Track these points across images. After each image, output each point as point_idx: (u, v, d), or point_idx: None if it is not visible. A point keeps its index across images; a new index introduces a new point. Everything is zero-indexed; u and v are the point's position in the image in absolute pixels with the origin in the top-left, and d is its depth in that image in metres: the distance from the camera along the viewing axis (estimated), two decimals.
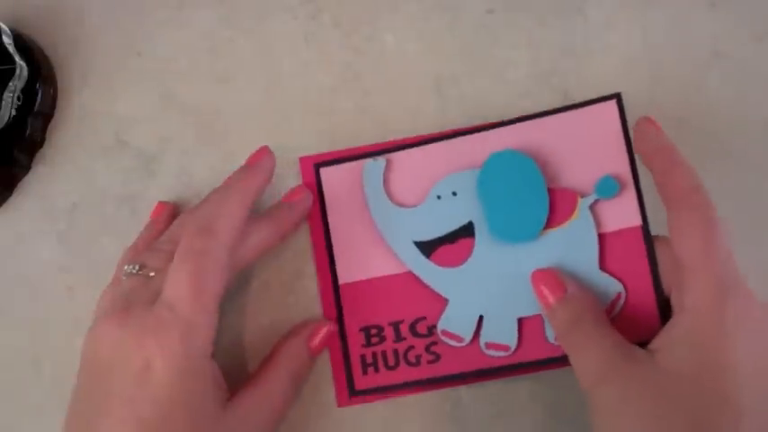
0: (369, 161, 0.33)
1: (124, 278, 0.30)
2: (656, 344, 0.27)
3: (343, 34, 0.35)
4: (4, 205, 0.35)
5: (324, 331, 0.32)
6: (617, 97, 0.31)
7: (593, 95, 0.33)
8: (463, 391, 0.33)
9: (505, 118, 0.34)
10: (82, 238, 0.35)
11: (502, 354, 0.32)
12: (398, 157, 0.33)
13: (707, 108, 0.34)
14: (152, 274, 0.29)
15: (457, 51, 0.35)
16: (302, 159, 0.34)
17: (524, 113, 0.33)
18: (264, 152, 0.32)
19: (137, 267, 0.30)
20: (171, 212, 0.34)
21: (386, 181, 0.33)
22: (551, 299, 0.30)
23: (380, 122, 0.34)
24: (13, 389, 0.34)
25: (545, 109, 0.33)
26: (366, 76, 0.35)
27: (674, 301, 0.29)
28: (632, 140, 0.31)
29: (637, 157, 0.31)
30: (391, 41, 0.35)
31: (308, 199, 0.33)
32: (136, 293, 0.29)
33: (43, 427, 0.34)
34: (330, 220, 0.33)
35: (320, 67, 0.35)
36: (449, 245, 0.32)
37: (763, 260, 0.33)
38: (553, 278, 0.30)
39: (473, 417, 0.32)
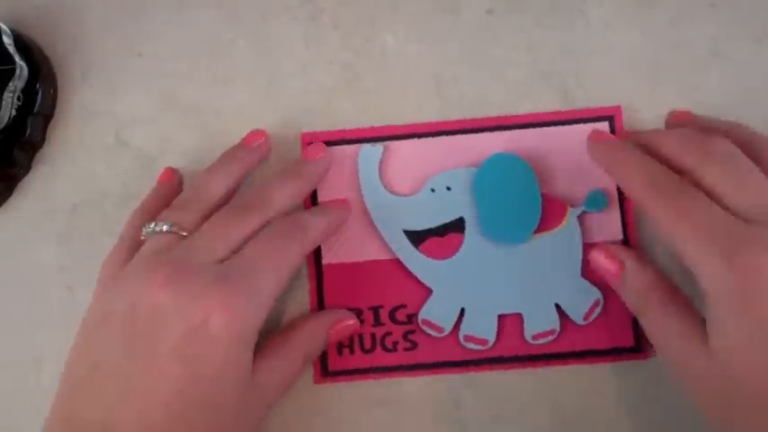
0: (366, 146, 0.33)
1: (145, 237, 0.30)
2: (711, 342, 0.26)
3: (343, 35, 0.35)
4: (4, 205, 0.35)
5: (348, 324, 0.32)
6: (609, 120, 0.33)
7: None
8: (464, 392, 0.32)
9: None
10: (82, 238, 0.35)
11: (479, 347, 0.32)
12: (396, 146, 0.34)
13: (707, 108, 0.34)
14: (184, 233, 0.29)
15: (457, 52, 0.35)
16: (303, 135, 0.34)
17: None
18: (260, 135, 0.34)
19: (169, 225, 0.29)
20: (180, 180, 0.34)
21: (381, 168, 0.33)
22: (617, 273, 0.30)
23: (380, 123, 0.34)
24: (13, 389, 0.34)
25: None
26: (366, 77, 0.35)
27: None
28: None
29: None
30: (391, 42, 0.35)
31: (328, 156, 0.33)
32: (182, 251, 0.28)
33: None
34: (320, 200, 0.34)
35: (320, 68, 0.35)
36: (438, 237, 0.33)
37: None
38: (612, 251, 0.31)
39: (474, 418, 0.32)
